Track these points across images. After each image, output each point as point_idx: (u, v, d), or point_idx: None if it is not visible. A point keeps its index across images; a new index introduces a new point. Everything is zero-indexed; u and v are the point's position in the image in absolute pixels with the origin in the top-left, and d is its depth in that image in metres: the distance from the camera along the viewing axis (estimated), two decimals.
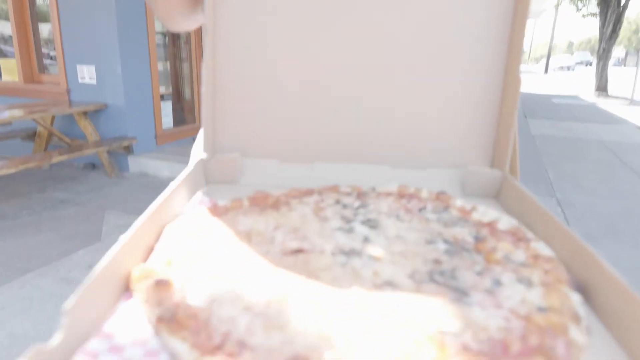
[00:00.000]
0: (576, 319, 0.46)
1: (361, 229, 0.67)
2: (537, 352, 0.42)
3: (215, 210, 0.70)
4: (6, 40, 4.66)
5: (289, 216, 0.70)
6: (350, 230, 0.66)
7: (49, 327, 2.13)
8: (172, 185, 0.69)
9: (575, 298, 0.52)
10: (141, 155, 4.68)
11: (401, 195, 0.80)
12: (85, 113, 4.09)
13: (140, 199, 3.87)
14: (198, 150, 1.08)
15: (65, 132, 4.24)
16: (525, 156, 4.73)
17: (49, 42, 4.49)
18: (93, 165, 4.51)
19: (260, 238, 0.63)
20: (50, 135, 4.18)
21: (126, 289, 0.52)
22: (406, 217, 0.71)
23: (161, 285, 0.50)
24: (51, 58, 4.57)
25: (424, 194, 0.80)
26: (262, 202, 0.75)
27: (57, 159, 3.42)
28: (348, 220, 0.69)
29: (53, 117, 4.19)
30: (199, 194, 0.74)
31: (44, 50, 4.63)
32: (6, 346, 1.97)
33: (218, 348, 0.43)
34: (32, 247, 2.79)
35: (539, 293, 0.52)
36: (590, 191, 4.08)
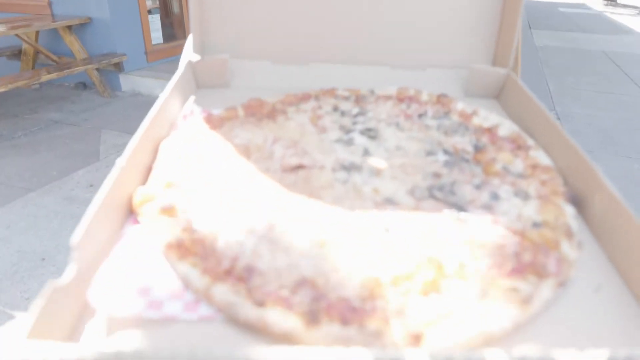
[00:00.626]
0: (569, 234, 0.49)
1: (361, 140, 0.66)
2: (529, 269, 0.44)
3: (210, 122, 0.68)
4: None
5: (286, 127, 0.69)
6: (349, 142, 0.65)
7: (55, 243, 2.20)
8: (164, 94, 0.65)
9: (570, 211, 0.53)
10: (132, 73, 4.41)
11: (400, 98, 0.78)
12: (70, 28, 3.77)
13: (136, 117, 3.74)
14: (186, 56, 1.01)
15: (51, 50, 3.96)
16: (527, 69, 4.56)
17: None
18: (84, 85, 4.29)
19: (259, 154, 0.62)
20: (37, 52, 3.91)
21: (130, 212, 0.53)
22: (406, 124, 0.70)
23: (166, 210, 0.51)
24: None
25: (424, 96, 0.78)
26: (258, 111, 0.72)
27: (46, 77, 3.23)
28: (347, 131, 0.67)
29: (37, 33, 3.86)
30: (191, 102, 0.71)
31: None
32: (15, 262, 2.07)
33: (227, 273, 0.45)
34: (31, 167, 2.77)
35: (534, 206, 0.54)
36: (589, 104, 3.98)
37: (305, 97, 0.77)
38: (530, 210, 0.53)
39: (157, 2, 4.78)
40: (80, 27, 4.07)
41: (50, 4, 4.04)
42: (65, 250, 2.11)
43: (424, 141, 0.66)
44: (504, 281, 0.43)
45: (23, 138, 3.15)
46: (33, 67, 3.95)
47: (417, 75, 0.84)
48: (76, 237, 0.42)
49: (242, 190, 0.55)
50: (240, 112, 0.72)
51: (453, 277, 0.44)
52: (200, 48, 0.80)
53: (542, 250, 0.46)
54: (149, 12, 4.58)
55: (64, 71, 3.49)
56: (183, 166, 0.58)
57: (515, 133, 0.67)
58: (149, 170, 0.59)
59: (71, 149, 3.10)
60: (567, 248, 0.48)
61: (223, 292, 0.42)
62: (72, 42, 3.94)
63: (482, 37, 0.81)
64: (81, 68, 3.72)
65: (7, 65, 4.11)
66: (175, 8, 4.95)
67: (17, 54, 4.05)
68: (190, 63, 0.78)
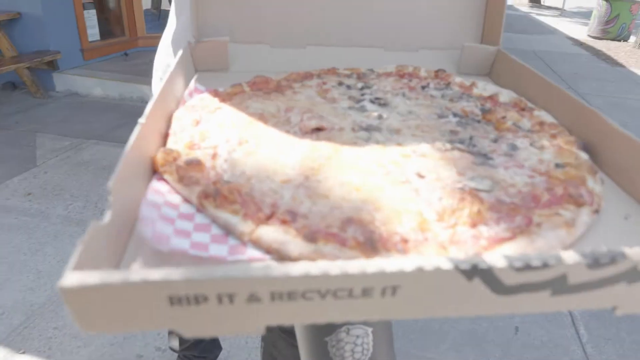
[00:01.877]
0: (592, 170, 0.51)
1: (372, 107, 0.66)
2: (565, 199, 0.45)
3: (218, 95, 0.67)
4: None
5: (296, 99, 0.68)
6: (362, 109, 0.66)
7: None
8: (169, 71, 0.64)
9: (584, 156, 0.56)
10: (68, 72, 4.22)
11: (400, 74, 0.80)
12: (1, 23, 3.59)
13: (74, 120, 3.59)
14: (162, 58, 1.00)
15: None
16: None
17: None
18: (13, 85, 4.05)
19: (275, 119, 0.61)
20: None
21: (153, 172, 0.51)
22: (412, 94, 0.72)
23: (193, 164, 0.49)
24: None
25: (423, 72, 0.80)
26: (264, 87, 0.72)
27: None
28: (357, 100, 0.68)
29: None
30: (193, 83, 0.69)
31: None
32: None
33: (270, 217, 0.44)
34: None
35: (552, 153, 0.56)
36: None
37: (307, 76, 0.77)
38: (549, 155, 0.55)
39: None
40: (8, 23, 3.83)
41: None
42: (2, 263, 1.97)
43: (433, 107, 0.67)
44: (545, 211, 0.45)
45: None
46: None
47: (411, 56, 0.86)
48: (111, 183, 0.40)
49: (266, 148, 0.54)
50: (246, 87, 0.71)
51: (493, 210, 0.45)
52: (196, 31, 0.79)
53: (572, 184, 0.48)
54: (84, 7, 4.37)
55: (2, 67, 3.29)
56: (201, 130, 0.57)
57: (516, 98, 0.70)
58: (164, 137, 0.57)
59: (4, 154, 2.91)
60: (592, 183, 0.50)
61: (271, 232, 0.41)
62: (5, 38, 3.72)
63: (471, 17, 0.85)
64: (10, 67, 3.50)
65: None
66: (112, 3, 4.76)
67: None
68: (189, 45, 0.77)
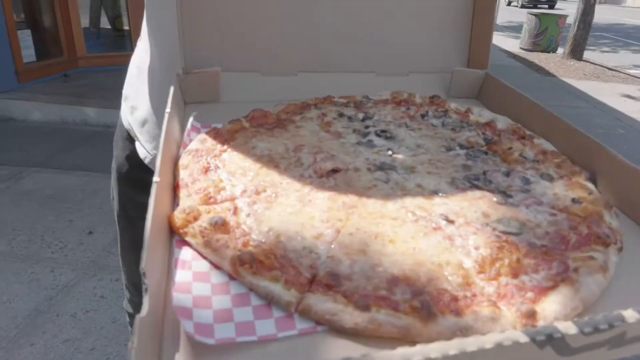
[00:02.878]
0: (608, 205, 0.53)
1: (380, 142, 0.66)
2: (592, 240, 0.47)
3: (220, 135, 0.64)
4: None
5: (301, 134, 0.66)
6: (370, 145, 0.65)
7: None
8: (169, 111, 0.60)
9: (591, 187, 0.58)
10: (1, 96, 3.92)
11: (396, 102, 0.79)
12: None
13: (11, 147, 3.32)
14: (134, 86, 0.94)
15: None
16: None
17: None
18: None
19: (286, 162, 0.59)
20: None
21: (171, 232, 0.47)
22: (414, 125, 0.71)
23: (218, 225, 0.46)
24: None
25: (418, 98, 0.81)
26: (264, 121, 0.69)
27: None
28: (363, 134, 0.67)
29: None
30: (190, 121, 0.66)
31: None
32: None
33: (312, 281, 0.42)
34: None
35: (562, 185, 0.57)
36: None
37: (305, 107, 0.75)
38: (561, 189, 0.57)
39: (25, 16, 4.25)
40: None
41: None
42: None
43: (438, 138, 0.68)
44: (577, 253, 0.46)
45: None
46: None
47: (401, 81, 0.86)
48: (142, 265, 0.36)
49: (286, 197, 0.52)
50: (245, 123, 0.68)
51: (529, 256, 0.45)
52: (183, 62, 0.75)
53: (593, 222, 0.49)
54: (17, 26, 4.06)
55: None
56: (214, 180, 0.54)
57: (513, 125, 0.72)
58: (174, 189, 0.54)
59: None
60: (609, 218, 0.52)
61: (320, 301, 0.39)
62: None
63: (457, 41, 0.86)
64: None
65: None
66: (48, 22, 4.45)
67: None
68: (178, 77, 0.73)
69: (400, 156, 0.61)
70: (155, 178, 0.47)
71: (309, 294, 0.40)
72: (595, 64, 7.21)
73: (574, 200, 0.54)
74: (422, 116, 0.74)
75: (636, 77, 6.67)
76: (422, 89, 0.85)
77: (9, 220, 2.37)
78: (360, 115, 0.73)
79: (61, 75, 4.44)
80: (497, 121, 0.73)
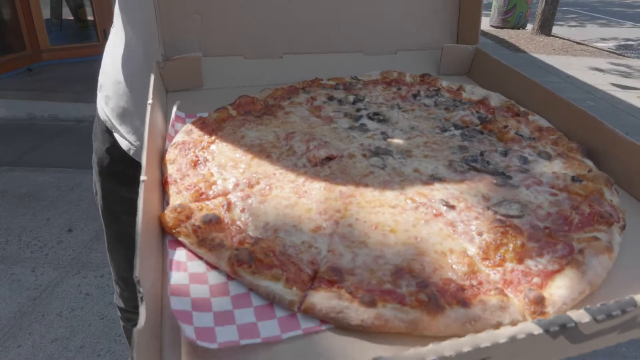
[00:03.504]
0: (608, 183, 0.52)
1: (373, 125, 0.64)
2: (595, 219, 0.46)
3: (206, 126, 0.61)
4: None
5: (291, 120, 0.64)
6: (363, 129, 0.63)
7: None
8: (151, 103, 0.57)
9: (590, 163, 0.57)
10: None
11: (386, 82, 0.77)
12: None
13: None
14: (110, 75, 0.89)
15: None
16: None
17: None
18: None
19: (278, 151, 0.57)
20: None
21: (163, 232, 0.45)
22: (406, 105, 0.70)
23: (212, 223, 0.44)
24: None
25: (408, 78, 0.78)
26: (251, 108, 0.67)
27: None
28: (355, 118, 0.65)
29: None
30: (174, 110, 0.63)
31: None
32: None
33: (314, 278, 0.40)
34: None
35: (560, 163, 0.57)
36: None
37: (293, 90, 0.72)
38: (559, 167, 0.56)
39: None
40: None
41: None
42: None
43: (432, 119, 0.66)
44: (581, 235, 0.45)
45: None
46: None
47: (390, 59, 0.84)
48: (138, 269, 0.34)
49: (280, 189, 0.50)
50: (232, 111, 0.66)
51: (533, 239, 0.44)
52: (162, 48, 0.72)
53: (594, 200, 0.49)
54: None
55: None
56: (204, 175, 0.51)
57: (507, 102, 0.71)
58: (163, 185, 0.51)
59: None
60: (609, 195, 0.51)
61: (325, 299, 0.38)
62: None
63: (446, 17, 0.84)
64: None
65: None
66: (7, 15, 4.23)
67: None
68: (157, 65, 0.69)
69: (395, 140, 0.60)
70: (142, 177, 0.44)
71: (311, 291, 0.39)
72: (563, 38, 7.26)
73: (574, 179, 0.53)
74: (414, 96, 0.72)
75: (603, 50, 6.73)
76: (411, 67, 0.83)
77: None
78: (351, 98, 0.70)
79: (25, 70, 4.25)
80: (490, 98, 0.72)
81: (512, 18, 8.16)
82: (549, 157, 0.57)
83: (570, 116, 0.63)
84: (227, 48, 0.77)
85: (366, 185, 0.51)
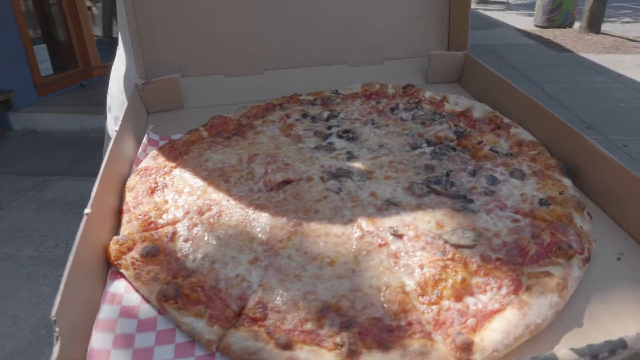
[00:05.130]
0: (579, 207, 0.48)
1: (340, 143, 0.62)
2: (554, 251, 0.42)
3: (175, 149, 0.62)
4: None
5: (258, 142, 0.63)
6: (329, 148, 0.61)
7: None
8: (118, 129, 0.58)
9: (568, 182, 0.53)
10: (23, 110, 4.01)
11: (367, 95, 0.75)
12: None
13: (34, 158, 3.40)
14: (116, 97, 0.92)
15: None
16: None
17: None
18: None
19: (237, 175, 0.57)
20: None
21: (108, 265, 0.46)
22: (381, 120, 0.67)
23: (150, 256, 0.44)
24: None
25: (390, 89, 0.76)
26: (223, 129, 0.67)
27: None
28: (324, 136, 0.64)
29: None
30: (146, 137, 0.64)
31: None
32: None
33: (239, 314, 0.40)
34: None
35: (534, 183, 0.53)
36: None
37: (269, 108, 0.72)
38: (531, 188, 0.52)
39: (40, 32, 4.34)
40: None
41: None
42: None
43: (405, 135, 0.63)
44: (534, 268, 0.41)
45: None
46: None
47: (376, 70, 0.82)
48: (56, 308, 0.35)
49: (228, 216, 0.50)
50: (204, 133, 0.66)
51: (480, 273, 0.41)
52: (143, 70, 0.73)
53: (558, 227, 0.45)
54: (33, 42, 4.15)
55: None
56: (157, 203, 0.52)
57: (490, 113, 0.67)
58: (117, 215, 0.52)
59: None
60: (579, 221, 0.47)
61: (241, 339, 0.37)
62: None
63: (435, 24, 0.80)
64: None
65: None
66: (61, 35, 4.52)
67: None
68: (136, 88, 0.71)
69: (357, 164, 0.58)
70: (86, 210, 0.45)
71: (232, 330, 0.38)
72: (614, 35, 6.75)
73: (542, 202, 0.49)
74: (392, 110, 0.70)
75: None
76: (398, 76, 0.80)
77: (36, 227, 2.45)
78: (325, 114, 0.69)
79: (78, 86, 4.52)
80: (473, 109, 0.68)
81: (558, 17, 7.73)
82: (522, 176, 0.54)
83: (553, 129, 0.59)
84: (208, 67, 0.77)
85: (316, 212, 0.50)
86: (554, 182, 0.52)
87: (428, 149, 0.60)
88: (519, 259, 0.43)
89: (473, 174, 0.54)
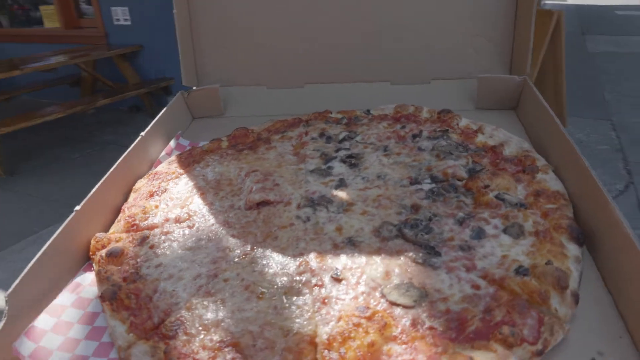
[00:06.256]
0: (559, 285, 0.39)
1: (340, 169, 0.60)
2: (495, 335, 0.35)
3: (192, 155, 0.66)
4: None
5: (265, 158, 0.64)
6: (325, 173, 0.59)
7: None
8: (145, 133, 0.65)
9: (573, 251, 0.43)
10: None
11: (397, 117, 0.70)
12: (124, 55, 4.03)
13: None
14: None
15: (108, 76, 4.20)
16: (581, 77, 4.08)
17: None
18: (137, 108, 4.42)
19: (228, 189, 0.59)
20: (95, 80, 4.20)
21: (86, 259, 0.52)
22: (395, 148, 0.63)
23: (112, 256, 0.49)
24: (87, 3, 4.44)
25: (425, 113, 0.70)
26: (242, 141, 0.69)
27: (101, 102, 3.39)
28: (327, 159, 0.62)
29: (95, 62, 4.14)
30: (173, 141, 0.70)
31: None
32: None
33: (155, 329, 0.42)
34: (89, 187, 2.90)
35: (527, 245, 0.44)
36: None
37: (295, 123, 0.72)
38: (520, 250, 0.44)
39: None
40: (132, 55, 4.28)
41: (106, 35, 4.32)
42: None
43: (411, 167, 0.58)
44: (463, 349, 0.35)
45: (80, 159, 3.33)
46: (92, 93, 4.23)
47: (421, 90, 0.76)
48: (10, 291, 0.41)
49: (198, 231, 0.52)
50: (225, 143, 0.69)
51: (399, 340, 0.37)
52: (194, 78, 0.79)
53: (520, 306, 0.37)
54: None
55: (117, 96, 3.69)
56: (145, 207, 0.57)
57: (523, 152, 0.57)
58: (117, 212, 0.58)
59: None
60: (557, 302, 0.38)
61: (141, 352, 0.39)
62: (125, 69, 4.14)
63: (496, 43, 0.71)
64: (133, 93, 3.89)
65: (69, 92, 4.44)
66: None
67: (78, 81, 4.37)
68: (182, 94, 0.77)
69: (342, 193, 0.55)
70: (76, 207, 0.52)
71: (141, 341, 0.40)
72: None
73: (518, 270, 0.41)
74: (414, 136, 0.64)
75: None
76: (446, 99, 0.74)
77: None
78: (342, 135, 0.67)
79: None
80: (506, 145, 0.59)
81: None
82: (518, 234, 0.46)
83: (582, 183, 0.48)
84: (252, 78, 0.81)
85: (275, 238, 0.49)
86: (554, 248, 0.43)
87: (428, 186, 0.54)
88: (452, 334, 0.37)
89: (460, 222, 0.48)
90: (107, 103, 3.38)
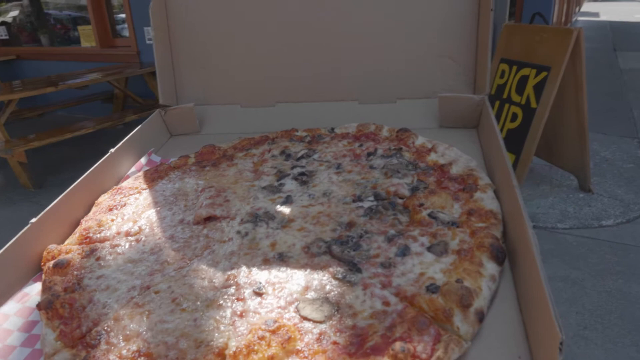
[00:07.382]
0: (464, 303, 0.39)
1: (290, 186, 0.61)
2: (389, 352, 0.36)
3: (157, 172, 0.69)
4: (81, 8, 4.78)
5: (225, 174, 0.67)
6: (276, 190, 0.61)
7: None
8: (115, 149, 0.68)
9: (490, 269, 0.43)
10: None
11: (357, 136, 0.71)
12: (153, 73, 4.17)
13: None
14: None
15: (137, 93, 4.36)
16: (611, 94, 3.98)
17: (119, 6, 4.53)
18: None
19: (182, 204, 0.61)
20: (126, 96, 4.36)
21: (39, 270, 0.55)
22: (348, 166, 0.64)
23: (58, 267, 0.51)
24: (123, 22, 4.64)
25: (385, 132, 0.71)
26: (208, 158, 0.72)
27: (130, 118, 3.54)
28: (281, 176, 0.63)
29: (127, 79, 4.29)
30: (144, 158, 0.73)
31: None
32: None
33: (82, 338, 0.44)
34: None
35: (448, 262, 0.45)
36: None
37: (261, 141, 0.74)
38: (439, 268, 0.44)
39: None
40: None
41: (138, 53, 4.48)
42: None
43: (358, 184, 0.59)
44: None
45: None
46: (122, 109, 4.38)
47: (387, 109, 0.77)
48: None
49: (142, 245, 0.54)
50: (192, 159, 0.72)
51: (301, 354, 0.38)
52: (173, 96, 0.83)
53: (420, 323, 0.38)
54: None
55: (145, 112, 3.82)
56: (100, 220, 0.59)
57: (468, 170, 0.58)
58: (77, 225, 0.61)
59: None
60: (459, 320, 0.39)
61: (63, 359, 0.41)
62: (155, 86, 4.31)
63: (460, 63, 0.72)
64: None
65: (101, 108, 4.62)
66: None
67: (111, 97, 4.54)
68: (159, 112, 0.81)
69: (286, 210, 0.56)
70: (32, 219, 0.55)
71: (66, 349, 0.43)
72: None
73: (429, 288, 0.41)
74: (369, 155, 0.65)
75: None
76: (410, 118, 0.75)
77: None
78: (301, 153, 0.68)
79: None
80: (455, 163, 0.60)
81: None
82: (441, 253, 0.46)
83: (511, 202, 0.49)
84: (226, 97, 0.84)
85: (211, 252, 0.51)
86: (470, 266, 0.43)
87: (369, 204, 0.55)
88: (351, 349, 0.37)
89: (390, 240, 0.49)
90: (136, 119, 3.49)
